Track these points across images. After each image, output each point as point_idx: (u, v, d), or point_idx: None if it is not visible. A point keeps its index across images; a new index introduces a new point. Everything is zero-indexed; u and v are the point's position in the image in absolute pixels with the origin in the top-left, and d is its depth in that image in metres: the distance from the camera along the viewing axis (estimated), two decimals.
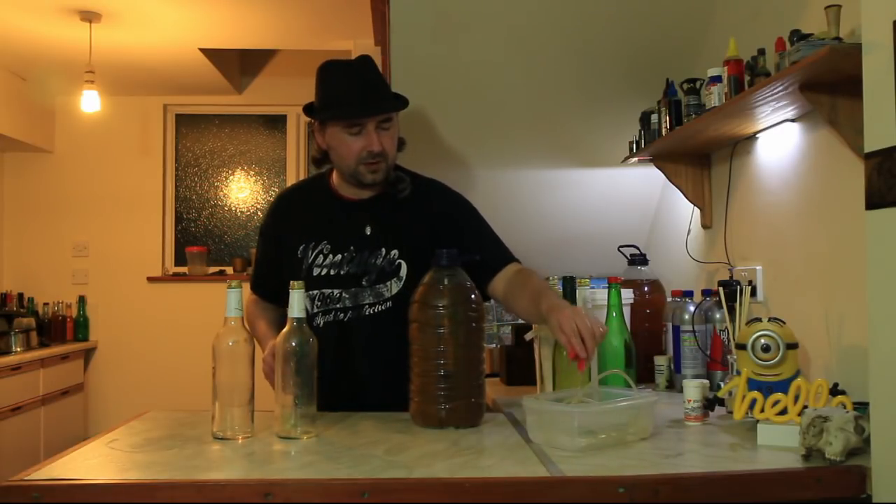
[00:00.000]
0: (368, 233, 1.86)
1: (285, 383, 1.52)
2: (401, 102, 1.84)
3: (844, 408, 1.40)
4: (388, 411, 1.75)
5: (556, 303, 1.61)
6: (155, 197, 5.38)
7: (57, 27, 4.06)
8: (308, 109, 1.87)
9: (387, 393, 1.78)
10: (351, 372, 1.83)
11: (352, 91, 1.79)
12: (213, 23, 4.10)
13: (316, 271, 1.86)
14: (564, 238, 3.09)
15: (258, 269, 2.04)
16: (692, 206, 2.60)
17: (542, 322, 1.66)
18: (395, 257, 1.84)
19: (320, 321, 1.85)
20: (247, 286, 1.64)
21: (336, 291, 1.85)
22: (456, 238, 1.77)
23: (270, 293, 1.98)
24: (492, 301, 1.90)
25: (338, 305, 1.84)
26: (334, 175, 1.93)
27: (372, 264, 1.84)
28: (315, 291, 1.86)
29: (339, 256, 1.85)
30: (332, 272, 1.85)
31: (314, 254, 1.87)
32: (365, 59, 1.84)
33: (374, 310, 1.83)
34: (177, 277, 5.35)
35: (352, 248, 1.85)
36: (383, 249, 1.84)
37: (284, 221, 1.96)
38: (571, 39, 2.57)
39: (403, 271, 1.83)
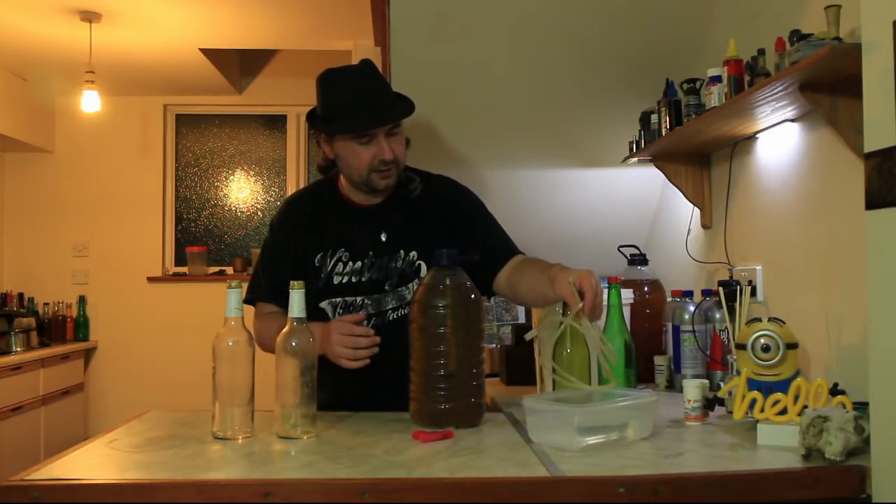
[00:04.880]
0: (384, 238, 1.84)
1: (285, 383, 1.52)
2: (407, 105, 1.81)
3: (844, 408, 1.40)
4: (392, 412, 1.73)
5: (567, 267, 1.63)
6: (155, 197, 5.38)
7: (57, 27, 4.06)
8: (311, 116, 1.83)
9: (402, 396, 1.68)
10: (372, 376, 1.77)
11: (359, 101, 1.75)
12: (213, 23, 4.10)
13: (337, 279, 1.84)
14: (564, 238, 3.09)
15: (271, 275, 1.90)
16: (692, 206, 2.60)
17: (547, 293, 1.65)
18: (415, 258, 1.83)
19: None
20: (247, 286, 1.60)
21: (359, 298, 1.83)
22: (466, 230, 1.78)
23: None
24: (492, 300, 1.89)
25: (361, 312, 1.81)
26: (342, 180, 1.90)
27: (392, 268, 1.83)
28: (338, 300, 1.84)
29: (358, 263, 1.84)
30: (353, 279, 1.83)
31: (333, 262, 1.84)
32: (367, 65, 1.80)
33: (397, 314, 1.82)
34: (177, 277, 5.36)
35: (370, 253, 1.84)
36: (402, 252, 1.83)
37: (298, 227, 1.90)
38: (571, 40, 2.57)
39: (423, 271, 1.81)
